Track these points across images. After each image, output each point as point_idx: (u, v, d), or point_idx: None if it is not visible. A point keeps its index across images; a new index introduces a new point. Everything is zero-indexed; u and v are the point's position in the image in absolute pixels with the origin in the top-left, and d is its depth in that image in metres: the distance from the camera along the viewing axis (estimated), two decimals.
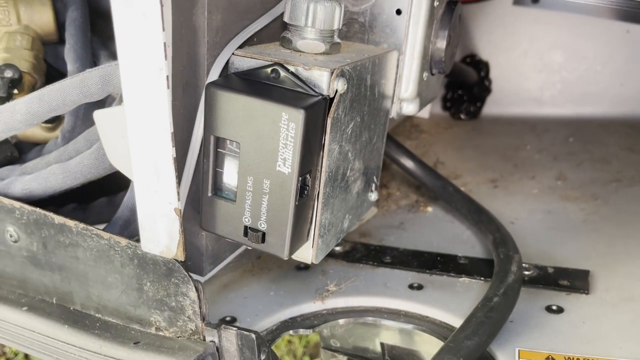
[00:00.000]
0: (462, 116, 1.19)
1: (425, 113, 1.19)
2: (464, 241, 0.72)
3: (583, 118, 1.13)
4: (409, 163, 0.79)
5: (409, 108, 0.62)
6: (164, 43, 0.38)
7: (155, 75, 0.39)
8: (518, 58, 1.17)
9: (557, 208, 0.80)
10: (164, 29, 0.38)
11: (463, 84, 1.19)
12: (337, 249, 0.69)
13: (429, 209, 0.82)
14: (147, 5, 0.37)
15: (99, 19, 0.71)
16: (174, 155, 0.42)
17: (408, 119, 1.17)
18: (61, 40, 0.70)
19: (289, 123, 0.41)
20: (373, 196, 0.60)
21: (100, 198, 0.66)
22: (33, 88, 0.65)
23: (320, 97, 0.43)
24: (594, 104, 1.14)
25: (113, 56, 0.68)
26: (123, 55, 0.40)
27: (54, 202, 0.60)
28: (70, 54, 0.64)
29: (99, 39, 0.70)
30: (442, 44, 0.62)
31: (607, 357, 0.48)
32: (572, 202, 0.82)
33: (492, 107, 1.19)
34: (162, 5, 0.37)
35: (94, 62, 0.66)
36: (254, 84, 0.45)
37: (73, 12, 0.66)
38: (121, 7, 0.38)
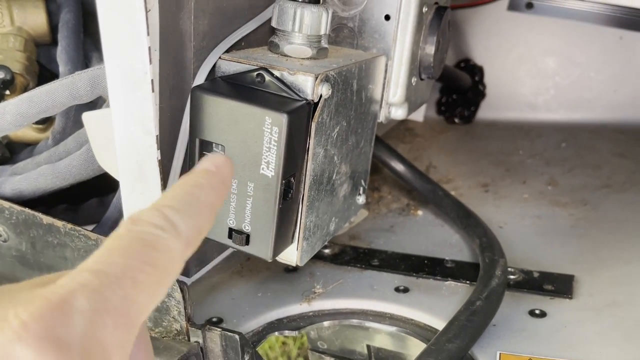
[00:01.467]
0: (456, 120, 1.20)
1: (419, 117, 1.20)
2: (452, 245, 0.72)
3: (576, 123, 1.13)
4: (399, 167, 0.79)
5: (398, 113, 0.62)
6: (149, 47, 0.39)
7: (141, 79, 0.40)
8: (512, 63, 1.17)
9: (547, 213, 0.81)
10: (148, 34, 0.38)
11: (457, 89, 1.19)
12: (326, 251, 0.69)
13: (420, 212, 0.82)
14: (133, 10, 0.38)
15: (92, 22, 0.72)
16: (159, 158, 0.42)
17: (402, 122, 1.18)
18: (54, 42, 0.71)
19: (272, 127, 0.42)
20: (361, 199, 0.61)
21: (91, 199, 0.67)
22: (25, 89, 0.66)
23: (305, 101, 0.44)
24: (587, 109, 1.14)
25: None
26: (109, 59, 0.40)
27: (45, 202, 0.61)
28: (62, 55, 0.64)
29: (92, 41, 0.71)
30: (430, 49, 0.63)
31: None
32: (561, 208, 0.82)
33: (486, 111, 1.20)
34: (147, 11, 0.38)
35: (85, 64, 0.67)
36: (239, 88, 0.45)
37: (66, 14, 0.67)
38: (107, 12, 0.39)
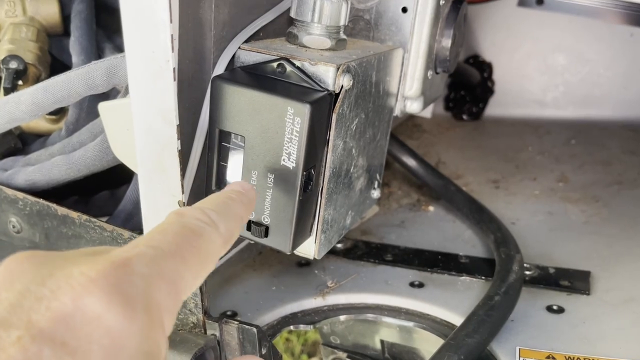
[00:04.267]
0: (465, 117, 1.19)
1: (427, 113, 1.19)
2: (465, 240, 0.72)
3: (585, 120, 1.13)
4: (411, 162, 0.79)
5: (413, 106, 0.62)
6: (172, 35, 0.38)
7: (162, 68, 0.39)
8: (521, 60, 1.17)
9: (559, 209, 0.80)
10: (171, 21, 0.38)
11: (466, 85, 1.19)
12: (339, 246, 0.69)
13: (430, 208, 0.82)
14: None
15: (104, 13, 0.71)
16: (179, 148, 0.42)
17: (410, 118, 1.17)
18: (66, 33, 0.70)
19: (294, 117, 0.41)
20: (375, 193, 0.61)
21: (101, 191, 0.66)
22: (37, 80, 0.65)
23: (326, 92, 0.43)
24: (597, 106, 1.14)
25: (118, 49, 0.68)
26: (130, 47, 0.40)
27: (56, 194, 0.61)
28: (75, 46, 0.64)
29: (104, 32, 0.70)
30: (447, 42, 0.62)
31: (607, 357, 0.48)
32: (573, 204, 0.82)
33: (495, 108, 1.19)
34: None
35: (98, 55, 0.67)
36: (260, 78, 0.45)
37: (79, 5, 0.66)
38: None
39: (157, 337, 0.24)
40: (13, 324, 0.21)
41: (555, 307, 0.56)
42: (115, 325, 0.22)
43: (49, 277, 0.23)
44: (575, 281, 0.60)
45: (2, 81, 0.62)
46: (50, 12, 0.68)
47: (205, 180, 0.47)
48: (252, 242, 0.48)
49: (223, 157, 0.46)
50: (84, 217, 0.50)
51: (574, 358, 0.49)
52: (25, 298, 0.22)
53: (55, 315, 0.22)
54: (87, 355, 0.21)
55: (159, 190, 0.44)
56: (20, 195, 0.53)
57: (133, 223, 0.57)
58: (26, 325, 0.21)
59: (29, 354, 0.21)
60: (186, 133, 0.46)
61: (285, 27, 0.51)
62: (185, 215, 0.29)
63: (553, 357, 0.49)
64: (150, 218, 0.45)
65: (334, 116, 0.44)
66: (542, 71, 1.16)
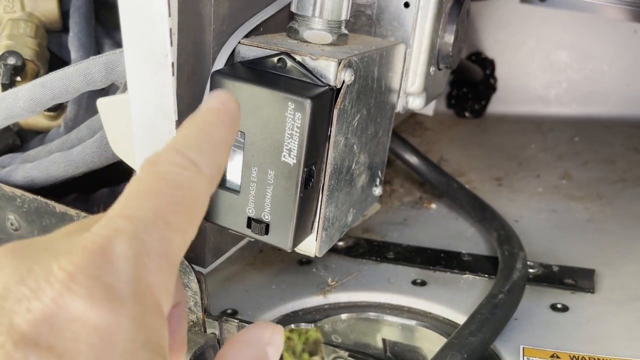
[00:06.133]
0: (467, 114, 1.19)
1: (429, 110, 1.19)
2: (467, 238, 0.71)
3: (589, 118, 1.12)
4: (413, 159, 0.78)
5: (415, 102, 0.61)
6: (170, 29, 0.38)
7: (161, 62, 0.39)
8: (524, 56, 1.16)
9: (562, 207, 0.80)
10: (170, 15, 0.37)
11: (468, 82, 1.18)
12: (340, 244, 0.68)
13: (433, 205, 0.81)
14: None
15: (103, 9, 0.71)
16: None
17: (412, 115, 1.17)
18: (65, 29, 0.70)
19: (295, 113, 0.41)
20: (377, 191, 0.60)
21: (101, 189, 0.65)
22: (36, 76, 0.65)
23: (327, 87, 0.43)
24: (600, 103, 1.13)
25: (117, 45, 0.67)
26: (128, 42, 0.39)
27: (55, 192, 0.60)
28: (74, 42, 0.63)
29: (103, 28, 0.69)
30: (449, 38, 0.62)
31: (612, 356, 0.48)
32: (577, 202, 0.81)
33: (497, 105, 1.19)
34: None
35: (97, 51, 0.66)
36: (260, 73, 0.44)
37: (77, 1, 0.66)
38: None
39: (154, 322, 0.22)
40: None
41: (559, 306, 0.56)
42: (101, 322, 0.21)
43: (28, 274, 0.21)
44: (579, 279, 0.60)
45: (0, 77, 0.61)
46: (48, 8, 0.67)
47: None
48: (253, 239, 0.47)
49: None
50: (83, 214, 0.50)
51: (578, 357, 0.48)
52: (5, 299, 0.21)
53: (37, 317, 0.20)
54: (75, 357, 0.20)
55: None
56: (19, 192, 0.52)
57: None
58: (8, 330, 0.20)
59: None
60: None
61: (286, 22, 0.50)
62: (158, 163, 0.25)
63: (557, 356, 0.48)
64: None
65: (335, 112, 0.44)
66: (545, 68, 1.15)
